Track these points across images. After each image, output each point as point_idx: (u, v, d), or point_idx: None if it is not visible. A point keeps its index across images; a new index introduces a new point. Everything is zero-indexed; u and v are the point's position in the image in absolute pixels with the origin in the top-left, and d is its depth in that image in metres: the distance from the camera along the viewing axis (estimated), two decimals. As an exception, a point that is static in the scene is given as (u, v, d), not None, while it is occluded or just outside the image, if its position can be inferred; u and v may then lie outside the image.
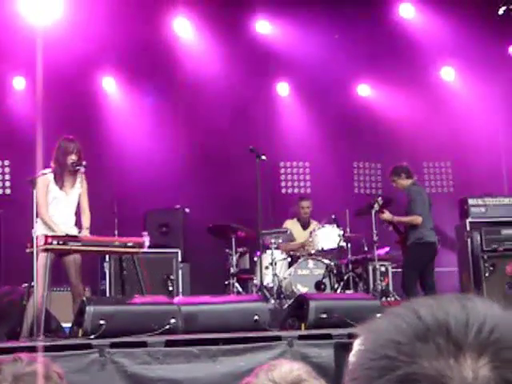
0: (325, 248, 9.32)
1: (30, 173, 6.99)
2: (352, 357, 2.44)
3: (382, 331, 0.89)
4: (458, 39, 11.11)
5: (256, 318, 6.76)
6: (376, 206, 8.73)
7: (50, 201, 7.05)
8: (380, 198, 8.87)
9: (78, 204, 7.26)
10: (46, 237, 6.54)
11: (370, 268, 9.84)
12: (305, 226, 10.31)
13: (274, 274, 9.01)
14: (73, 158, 7.06)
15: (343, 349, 5.78)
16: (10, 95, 11.22)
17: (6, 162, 11.22)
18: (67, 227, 7.04)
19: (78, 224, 7.24)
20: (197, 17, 11.40)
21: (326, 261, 9.28)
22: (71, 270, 7.08)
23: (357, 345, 2.45)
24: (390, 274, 10.13)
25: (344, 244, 9.35)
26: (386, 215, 8.75)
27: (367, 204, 9.27)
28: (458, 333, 0.85)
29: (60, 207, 7.08)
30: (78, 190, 7.20)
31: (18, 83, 11.21)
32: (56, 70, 10.59)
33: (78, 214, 7.29)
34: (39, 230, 6.77)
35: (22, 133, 10.58)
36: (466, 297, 0.90)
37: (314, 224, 10.16)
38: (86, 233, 7.09)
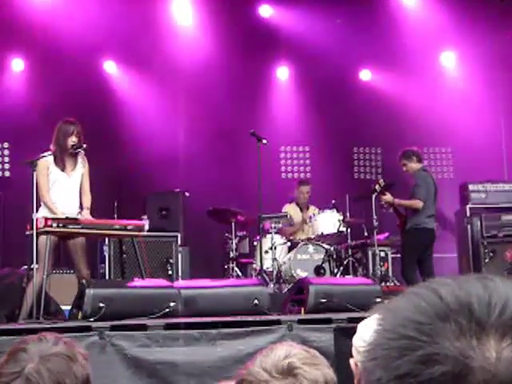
0: (325, 233, 9.31)
1: (30, 155, 6.96)
2: (356, 339, 2.42)
3: (401, 311, 0.87)
4: (460, 24, 11.06)
5: (256, 301, 6.75)
6: (377, 188, 8.68)
7: (52, 183, 7.02)
8: (382, 180, 8.82)
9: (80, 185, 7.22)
10: (46, 219, 6.51)
11: (370, 253, 9.85)
12: (303, 210, 10.29)
13: (274, 259, 9.01)
14: (73, 139, 7.01)
15: (343, 333, 5.78)
16: (9, 77, 11.17)
17: (6, 145, 11.18)
18: (70, 209, 7.01)
19: (80, 205, 7.22)
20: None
21: (326, 246, 9.28)
22: (74, 255, 7.04)
23: (361, 326, 2.42)
24: (390, 259, 10.13)
25: (344, 229, 9.34)
26: (387, 197, 8.69)
27: (370, 189, 9.26)
28: (480, 313, 0.83)
29: (62, 189, 7.05)
30: (80, 170, 7.17)
31: (17, 65, 11.15)
32: (56, 52, 10.56)
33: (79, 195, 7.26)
34: (41, 213, 6.75)
35: (21, 115, 10.55)
36: (486, 277, 0.88)
37: (312, 209, 10.14)
38: (86, 212, 7.07)
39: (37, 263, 6.48)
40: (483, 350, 0.81)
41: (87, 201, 7.17)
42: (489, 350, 0.81)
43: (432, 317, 0.84)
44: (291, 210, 10.20)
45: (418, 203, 8.53)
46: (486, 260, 9.40)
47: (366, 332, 2.38)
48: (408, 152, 8.82)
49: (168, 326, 5.93)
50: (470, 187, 10.09)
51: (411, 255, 8.57)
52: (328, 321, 6.22)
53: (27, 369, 1.80)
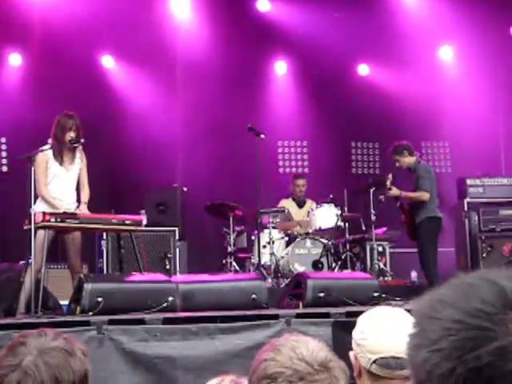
0: (322, 227, 9.30)
1: (27, 150, 6.95)
2: (356, 333, 2.41)
3: (463, 302, 0.86)
4: (458, 18, 11.05)
5: (254, 296, 6.76)
6: (388, 183, 8.55)
7: (51, 178, 7.01)
8: (391, 175, 8.67)
9: (78, 180, 7.22)
10: (44, 214, 6.51)
11: (368, 247, 9.85)
12: (300, 204, 10.28)
13: (272, 253, 9.02)
14: (71, 135, 7.00)
15: (341, 327, 5.78)
16: (6, 72, 11.14)
17: (3, 139, 11.16)
18: (68, 203, 7.02)
19: (78, 199, 7.22)
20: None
21: (324, 240, 9.27)
22: (70, 250, 7.06)
23: (360, 320, 2.40)
24: (388, 254, 10.14)
25: (342, 223, 9.32)
26: (394, 191, 8.52)
27: (367, 183, 9.23)
28: None
29: (60, 184, 7.04)
30: (77, 165, 7.16)
31: (14, 60, 11.13)
32: (53, 47, 10.55)
33: (77, 189, 7.25)
34: (39, 208, 6.74)
35: (19, 110, 10.53)
36: None
37: (309, 203, 10.14)
38: (83, 207, 7.06)
39: (34, 257, 6.47)
40: None
41: (85, 195, 7.17)
42: None
43: (500, 307, 0.84)
44: (288, 204, 10.19)
45: (425, 195, 8.42)
46: (484, 254, 9.41)
47: (367, 325, 2.39)
48: (399, 147, 8.68)
49: (166, 321, 5.92)
50: (468, 182, 10.08)
51: (431, 244, 8.34)
52: (326, 315, 6.22)
53: (25, 362, 1.81)
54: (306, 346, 1.77)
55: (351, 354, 2.38)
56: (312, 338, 1.85)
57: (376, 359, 2.31)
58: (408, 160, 8.64)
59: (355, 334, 2.40)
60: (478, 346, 0.83)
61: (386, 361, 2.29)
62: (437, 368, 0.86)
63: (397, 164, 8.69)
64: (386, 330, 2.32)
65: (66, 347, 1.87)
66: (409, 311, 2.19)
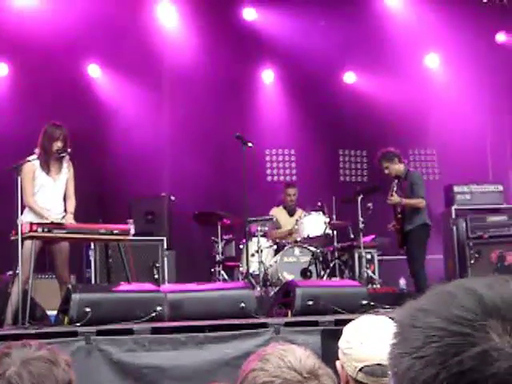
0: (311, 235, 9.30)
1: (13, 160, 6.92)
2: (342, 342, 2.41)
3: (445, 310, 0.88)
4: (444, 26, 11.12)
5: (242, 305, 6.75)
6: (394, 190, 8.48)
7: (38, 188, 6.99)
8: (396, 181, 8.59)
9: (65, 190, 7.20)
10: (31, 224, 6.49)
11: (356, 255, 9.87)
12: (291, 213, 10.29)
13: (260, 262, 9.01)
14: (58, 144, 6.97)
15: (330, 335, 5.78)
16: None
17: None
18: (56, 214, 6.99)
19: (65, 209, 7.19)
20: (182, 2, 11.34)
21: (312, 248, 9.28)
22: (57, 260, 7.04)
23: (346, 329, 2.40)
24: (376, 262, 10.16)
25: (330, 231, 9.33)
26: (395, 198, 8.43)
27: (355, 191, 9.24)
28: None
29: (48, 194, 7.02)
30: (65, 175, 7.14)
31: (1, 69, 11.09)
32: (40, 56, 10.52)
33: (64, 199, 7.22)
34: (26, 218, 6.71)
35: (5, 119, 10.50)
36: (507, 278, 0.93)
37: (299, 211, 10.15)
38: (69, 217, 7.04)
39: (21, 268, 6.44)
40: None
41: (71, 205, 7.15)
42: None
43: (480, 314, 0.87)
44: (278, 213, 10.21)
45: (422, 202, 8.40)
46: (472, 261, 9.44)
47: (352, 334, 2.39)
48: (388, 154, 8.60)
49: (155, 331, 5.91)
50: (455, 188, 10.13)
51: (421, 250, 8.34)
52: (315, 323, 6.22)
53: (9, 372, 1.82)
54: (294, 354, 1.76)
55: (337, 363, 2.39)
56: (299, 346, 1.84)
57: (362, 367, 2.32)
58: (398, 167, 8.58)
59: (341, 343, 2.41)
60: (460, 352, 0.85)
61: (371, 368, 2.31)
62: (421, 374, 0.88)
63: (386, 171, 8.60)
64: (370, 339, 2.34)
65: (50, 357, 1.87)
66: (393, 319, 2.20)
